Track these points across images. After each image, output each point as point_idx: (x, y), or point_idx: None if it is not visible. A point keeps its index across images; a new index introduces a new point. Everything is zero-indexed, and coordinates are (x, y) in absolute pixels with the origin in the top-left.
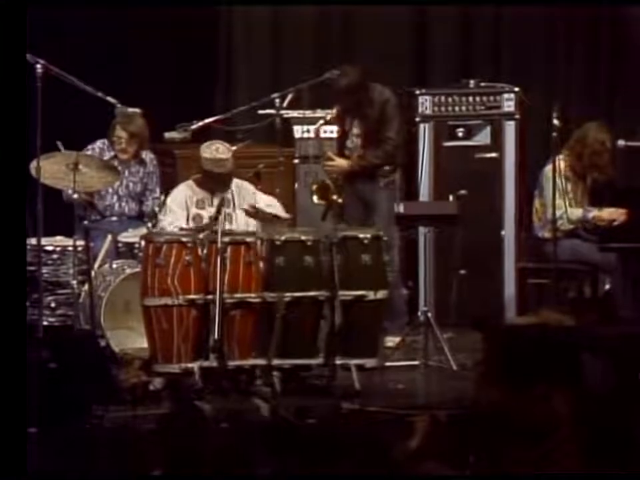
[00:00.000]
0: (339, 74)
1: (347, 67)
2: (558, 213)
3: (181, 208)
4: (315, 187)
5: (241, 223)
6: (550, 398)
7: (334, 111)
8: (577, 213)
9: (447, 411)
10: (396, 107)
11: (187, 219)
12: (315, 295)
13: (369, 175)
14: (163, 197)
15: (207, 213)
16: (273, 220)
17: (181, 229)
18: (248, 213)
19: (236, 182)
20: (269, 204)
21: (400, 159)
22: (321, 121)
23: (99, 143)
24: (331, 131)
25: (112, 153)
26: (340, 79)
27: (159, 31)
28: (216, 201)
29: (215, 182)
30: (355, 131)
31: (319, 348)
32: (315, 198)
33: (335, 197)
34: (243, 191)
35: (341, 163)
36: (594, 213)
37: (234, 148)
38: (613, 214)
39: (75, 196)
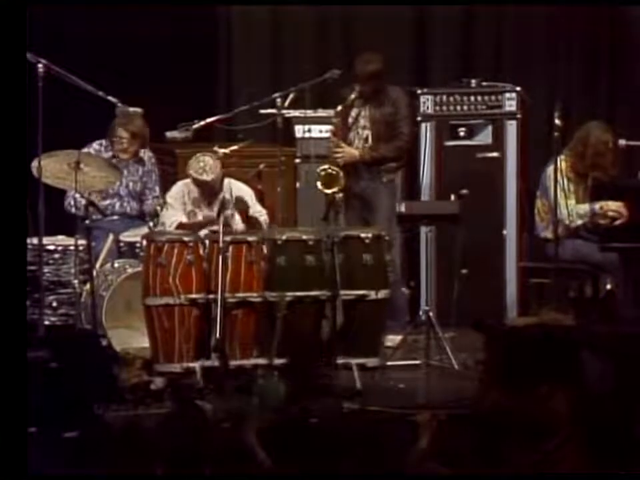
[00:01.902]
0: (340, 73)
1: (371, 54)
2: (563, 212)
3: (178, 203)
4: (321, 173)
5: (239, 224)
6: (550, 398)
7: (353, 96)
8: (583, 207)
9: (448, 410)
10: (409, 105)
11: (184, 214)
12: (316, 295)
13: (373, 169)
14: (162, 195)
15: (201, 211)
16: (256, 224)
17: (182, 224)
18: (240, 214)
19: (234, 184)
20: (258, 211)
21: (406, 157)
22: (340, 107)
23: (95, 145)
24: (326, 131)
25: (110, 154)
26: (365, 64)
27: (159, 30)
28: (211, 201)
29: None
30: (362, 122)
31: (321, 347)
32: (318, 184)
33: (339, 187)
34: (240, 194)
35: (350, 151)
36: (600, 203)
37: (234, 147)
38: (618, 205)
39: (77, 195)
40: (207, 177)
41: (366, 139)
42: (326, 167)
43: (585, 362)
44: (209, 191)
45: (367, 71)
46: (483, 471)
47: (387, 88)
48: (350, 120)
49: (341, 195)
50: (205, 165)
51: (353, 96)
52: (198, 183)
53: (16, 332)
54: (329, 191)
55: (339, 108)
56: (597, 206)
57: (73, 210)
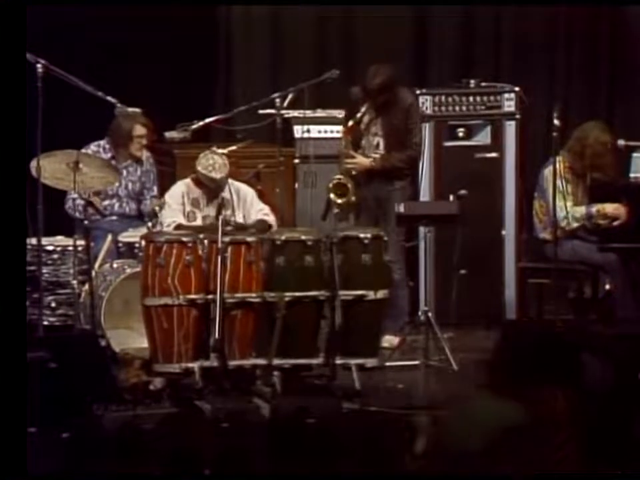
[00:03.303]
0: (337, 73)
1: (379, 66)
2: (560, 214)
3: (177, 203)
4: (331, 184)
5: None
6: (550, 399)
7: (363, 109)
8: (580, 210)
9: (447, 410)
10: (419, 112)
11: (183, 215)
12: (315, 295)
13: (385, 176)
14: (160, 195)
15: (201, 212)
16: (264, 226)
17: (181, 226)
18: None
19: (236, 185)
20: (262, 211)
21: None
22: (350, 123)
23: (92, 147)
24: (332, 131)
25: (109, 155)
26: (374, 77)
27: (160, 30)
28: (210, 202)
29: (209, 186)
30: (374, 129)
31: (320, 348)
32: (332, 196)
33: (351, 197)
34: (242, 195)
35: (362, 161)
36: (597, 207)
37: (232, 148)
38: (616, 208)
39: (75, 195)
40: (215, 175)
41: (377, 146)
42: (338, 177)
43: (584, 362)
44: (212, 190)
45: (376, 84)
46: (483, 471)
47: (399, 92)
48: (362, 126)
49: (353, 198)
50: (215, 162)
51: (363, 109)
52: (206, 180)
53: (15, 332)
54: (340, 201)
55: (350, 123)
56: (593, 209)
57: (77, 214)
